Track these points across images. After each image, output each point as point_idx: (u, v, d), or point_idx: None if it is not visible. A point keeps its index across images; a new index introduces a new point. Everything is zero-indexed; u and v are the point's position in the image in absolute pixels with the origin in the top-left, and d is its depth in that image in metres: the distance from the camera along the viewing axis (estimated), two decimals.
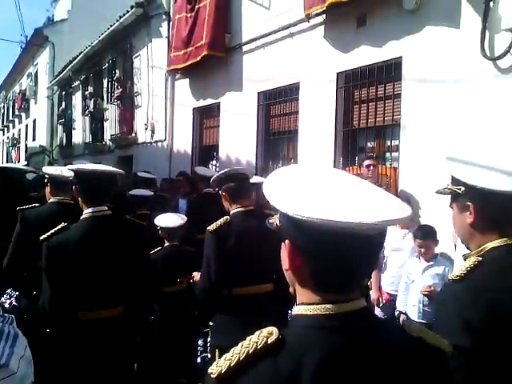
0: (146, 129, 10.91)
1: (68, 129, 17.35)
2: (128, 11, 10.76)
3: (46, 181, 3.33)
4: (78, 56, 14.60)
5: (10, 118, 29.18)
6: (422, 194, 4.75)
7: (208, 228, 2.86)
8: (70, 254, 2.39)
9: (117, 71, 12.78)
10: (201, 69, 8.51)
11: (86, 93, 14.90)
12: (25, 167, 5.48)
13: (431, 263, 3.83)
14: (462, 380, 1.24)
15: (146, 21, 10.76)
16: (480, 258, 1.41)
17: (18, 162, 26.03)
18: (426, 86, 4.90)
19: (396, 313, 4.00)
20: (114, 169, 2.78)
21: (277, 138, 7.44)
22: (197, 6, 8.43)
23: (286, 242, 0.96)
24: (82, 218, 2.55)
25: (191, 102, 9.33)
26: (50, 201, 3.31)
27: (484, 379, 1.25)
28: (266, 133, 7.58)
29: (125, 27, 11.36)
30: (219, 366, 0.88)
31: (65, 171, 3.11)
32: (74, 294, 2.39)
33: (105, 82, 13.76)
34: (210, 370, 0.89)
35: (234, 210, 2.91)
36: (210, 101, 8.77)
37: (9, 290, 2.92)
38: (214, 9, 7.95)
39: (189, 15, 8.69)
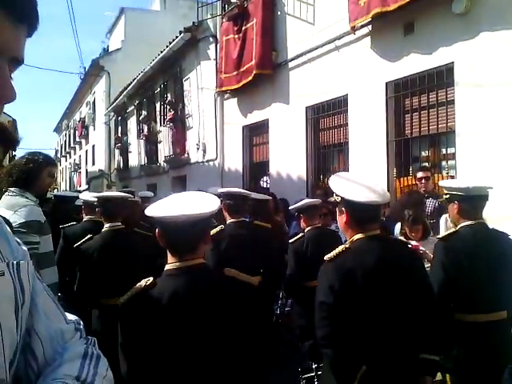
0: (198, 149, 11.19)
1: (124, 152, 18.09)
2: (177, 36, 11.17)
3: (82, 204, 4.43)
4: (131, 82, 15.27)
5: (72, 145, 30.90)
6: None
7: None
8: (94, 255, 3.33)
9: (168, 95, 13.25)
10: (249, 87, 8.66)
11: (141, 117, 15.54)
12: (73, 193, 6.43)
13: None
14: (329, 322, 2.00)
15: (194, 44, 11.12)
16: (347, 245, 2.13)
17: (80, 186, 27.41)
18: (481, 90, 4.72)
19: None
20: (125, 194, 3.94)
21: (327, 152, 7.40)
22: (244, 27, 8.64)
23: (157, 230, 1.77)
24: (102, 230, 3.50)
25: (240, 120, 9.49)
26: (84, 219, 4.40)
27: (342, 322, 2.00)
28: (316, 146, 7.56)
29: (174, 52, 11.79)
30: (123, 297, 1.69)
31: (91, 197, 4.10)
32: (97, 285, 3.29)
33: (157, 105, 14.29)
34: (119, 301, 1.68)
35: (229, 220, 3.87)
36: (258, 118, 8.88)
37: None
38: (260, 28, 8.11)
39: (236, 36, 8.91)
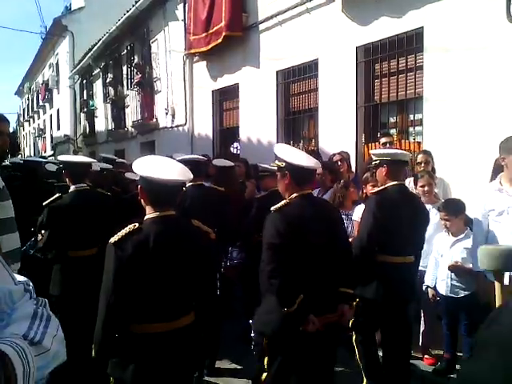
0: (167, 113, 10.97)
1: (91, 117, 17.59)
2: None
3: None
4: (96, 44, 14.70)
5: (35, 109, 29.76)
6: (447, 168, 4.65)
7: None
8: (62, 212, 3.62)
9: (135, 57, 12.82)
10: (218, 50, 8.45)
11: (107, 80, 15.04)
12: (43, 159, 6.53)
13: (460, 237, 3.76)
14: (276, 258, 2.50)
15: (161, 4, 10.71)
16: (288, 201, 2.63)
17: (45, 151, 26.59)
18: (450, 55, 4.76)
19: (424, 287, 3.97)
20: (90, 159, 4.28)
21: (297, 117, 7.37)
22: None
23: (139, 186, 2.19)
24: (69, 191, 3.75)
25: (210, 84, 9.30)
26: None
27: (286, 259, 2.49)
28: (286, 112, 7.51)
29: (141, 12, 11.33)
30: (114, 238, 2.08)
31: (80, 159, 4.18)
32: (64, 239, 3.59)
33: (124, 68, 13.84)
34: (110, 241, 2.08)
35: (188, 184, 4.20)
36: (228, 82, 8.73)
37: (33, 239, 4.13)
38: None
39: None
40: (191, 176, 2.22)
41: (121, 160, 6.85)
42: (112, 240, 2.10)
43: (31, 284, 0.98)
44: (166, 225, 2.17)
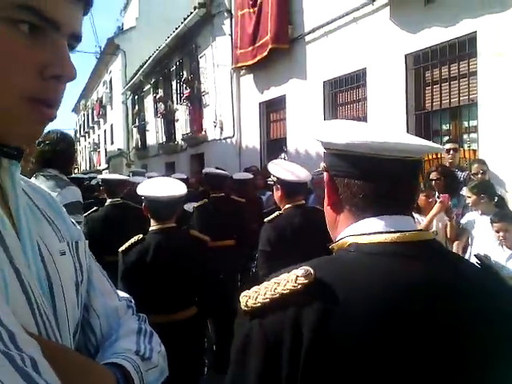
0: (215, 126, 11.17)
1: (142, 131, 18.19)
2: (191, 12, 11.03)
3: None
4: (147, 61, 15.23)
5: (90, 125, 31.18)
6: (504, 177, 4.46)
7: (194, 205, 4.82)
8: (98, 223, 4.10)
9: (184, 72, 13.18)
10: (265, 63, 8.54)
11: (157, 96, 15.53)
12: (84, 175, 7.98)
13: None
14: (267, 265, 2.76)
15: (208, 20, 10.98)
16: (281, 212, 2.95)
17: (100, 165, 27.76)
18: (505, 60, 4.57)
19: None
20: (124, 176, 4.89)
21: None
22: (259, 1, 8.46)
23: (143, 204, 2.66)
24: (106, 204, 4.27)
25: (257, 96, 9.40)
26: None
27: (276, 264, 2.56)
28: None
29: (189, 28, 11.66)
30: (124, 246, 2.60)
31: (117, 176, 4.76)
32: (100, 246, 3.59)
33: (174, 83, 14.24)
34: (120, 249, 2.60)
35: (212, 195, 4.83)
36: (275, 94, 8.79)
37: None
38: (276, 1, 7.93)
39: (251, 10, 8.75)
40: (182, 191, 2.61)
41: (151, 174, 7.30)
42: (121, 248, 2.54)
43: (133, 300, 1.01)
44: (164, 235, 2.60)
